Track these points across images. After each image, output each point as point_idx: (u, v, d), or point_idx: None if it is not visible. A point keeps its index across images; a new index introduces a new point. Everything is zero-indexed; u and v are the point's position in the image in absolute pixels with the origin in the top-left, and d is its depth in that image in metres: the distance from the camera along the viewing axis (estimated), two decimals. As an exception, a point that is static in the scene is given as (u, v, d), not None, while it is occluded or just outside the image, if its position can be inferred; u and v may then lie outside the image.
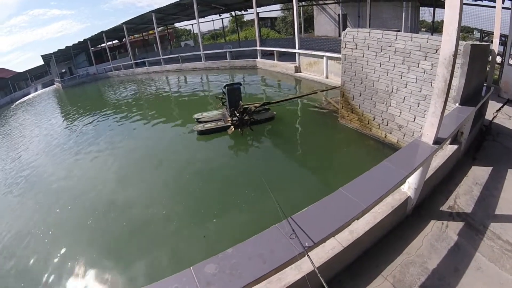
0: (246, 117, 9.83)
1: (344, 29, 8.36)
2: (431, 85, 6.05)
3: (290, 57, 19.02)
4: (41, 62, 42.34)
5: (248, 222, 5.59)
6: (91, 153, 10.66)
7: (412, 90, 6.64)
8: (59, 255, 5.61)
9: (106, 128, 13.92)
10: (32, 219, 7.06)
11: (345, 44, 8.05)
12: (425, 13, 22.55)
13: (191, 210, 6.28)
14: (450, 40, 3.26)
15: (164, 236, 5.64)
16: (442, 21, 3.92)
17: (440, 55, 3.43)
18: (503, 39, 8.77)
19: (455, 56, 3.29)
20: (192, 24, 33.18)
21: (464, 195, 4.45)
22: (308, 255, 2.16)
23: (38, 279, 5.14)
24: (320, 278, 1.95)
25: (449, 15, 3.19)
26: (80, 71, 40.60)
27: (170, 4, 24.81)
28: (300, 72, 17.81)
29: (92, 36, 34.63)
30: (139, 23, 31.84)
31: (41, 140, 14.49)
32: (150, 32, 40.53)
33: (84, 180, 8.58)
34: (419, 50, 6.21)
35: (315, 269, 2.04)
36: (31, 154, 12.37)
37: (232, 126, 9.83)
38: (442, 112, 3.58)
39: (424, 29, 25.85)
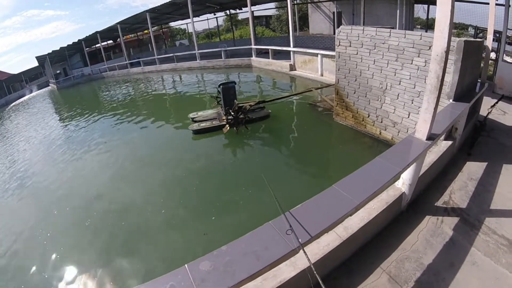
0: (241, 116, 9.80)
1: (338, 27, 8.35)
2: (425, 82, 6.06)
3: (285, 55, 18.99)
4: (36, 64, 42.04)
5: (247, 218, 5.60)
6: (86, 154, 10.58)
7: (406, 87, 6.66)
8: (58, 255, 5.57)
9: (101, 129, 13.83)
10: (30, 220, 7.00)
11: (339, 42, 8.05)
12: (420, 10, 22.72)
13: (190, 209, 6.26)
14: (442, 36, 3.27)
15: (164, 235, 5.62)
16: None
17: (432, 51, 3.44)
18: (497, 35, 8.82)
19: (447, 52, 3.30)
20: (186, 24, 33.07)
21: (459, 191, 4.47)
22: (303, 250, 2.16)
23: (37, 280, 5.11)
24: (316, 274, 1.95)
25: (441, 11, 3.20)
26: (75, 72, 40.27)
27: (165, 3, 24.69)
28: (295, 70, 17.80)
29: (86, 36, 34.38)
30: (134, 23, 31.65)
31: (38, 142, 14.35)
32: (145, 31, 40.35)
33: (81, 181, 8.50)
34: (413, 47, 6.22)
35: (311, 265, 2.05)
36: (28, 156, 12.24)
37: (227, 125, 9.82)
38: (435, 108, 3.59)
39: (419, 26, 26.03)
